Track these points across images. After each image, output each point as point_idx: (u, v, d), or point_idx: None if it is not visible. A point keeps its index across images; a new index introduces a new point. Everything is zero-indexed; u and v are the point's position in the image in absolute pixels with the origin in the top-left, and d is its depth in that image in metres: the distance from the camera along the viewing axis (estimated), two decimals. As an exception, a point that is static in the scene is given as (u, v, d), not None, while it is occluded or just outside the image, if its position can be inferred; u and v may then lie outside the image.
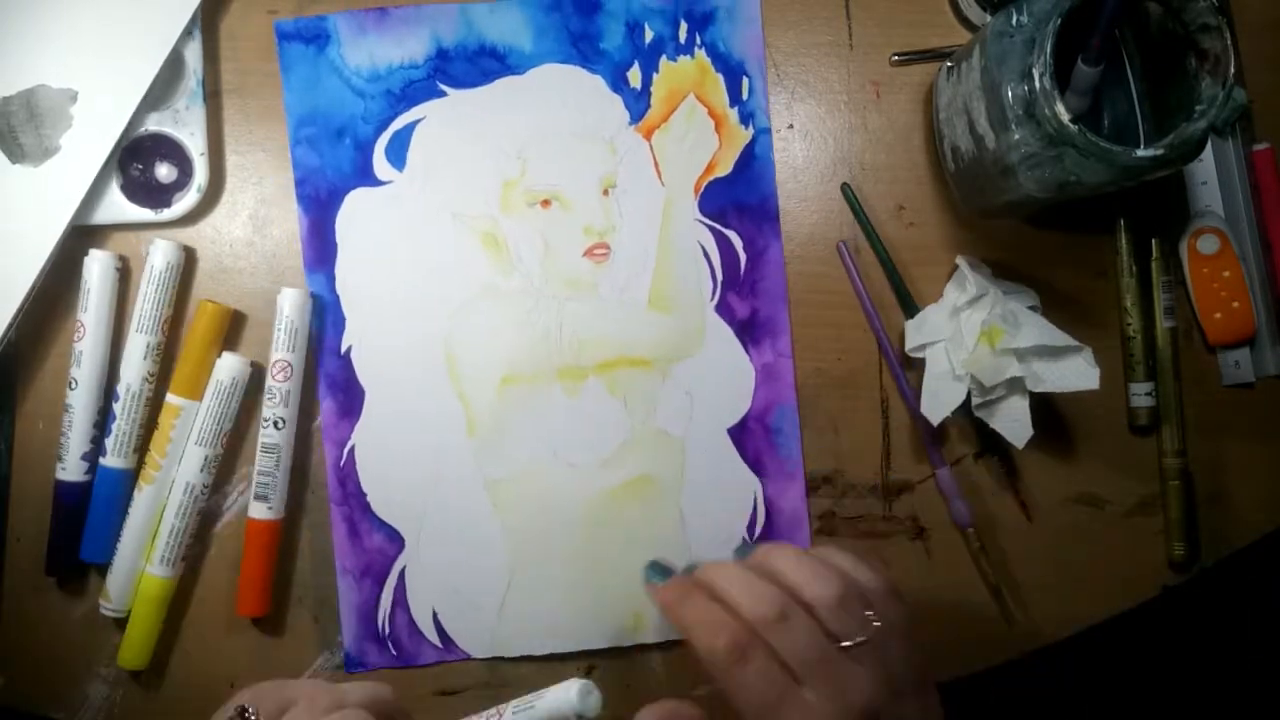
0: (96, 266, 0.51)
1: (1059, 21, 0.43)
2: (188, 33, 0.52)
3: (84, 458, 0.51)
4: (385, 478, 0.54)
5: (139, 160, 0.53)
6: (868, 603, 0.41)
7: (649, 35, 0.55)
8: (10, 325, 0.51)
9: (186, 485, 0.51)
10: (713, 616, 0.40)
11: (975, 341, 0.51)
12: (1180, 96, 0.46)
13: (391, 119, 0.54)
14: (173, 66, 0.52)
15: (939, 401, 0.52)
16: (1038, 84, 0.43)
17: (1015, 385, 0.51)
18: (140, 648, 0.51)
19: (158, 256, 0.52)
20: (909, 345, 0.53)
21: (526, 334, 0.54)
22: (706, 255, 0.54)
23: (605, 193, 0.54)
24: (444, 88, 0.54)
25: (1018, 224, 0.55)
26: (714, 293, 0.54)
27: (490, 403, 0.54)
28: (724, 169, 0.55)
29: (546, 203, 0.54)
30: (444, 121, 0.54)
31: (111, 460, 0.51)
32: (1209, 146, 0.55)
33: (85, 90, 0.51)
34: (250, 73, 0.54)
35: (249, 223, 0.54)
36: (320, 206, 0.54)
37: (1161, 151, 0.43)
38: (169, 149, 0.53)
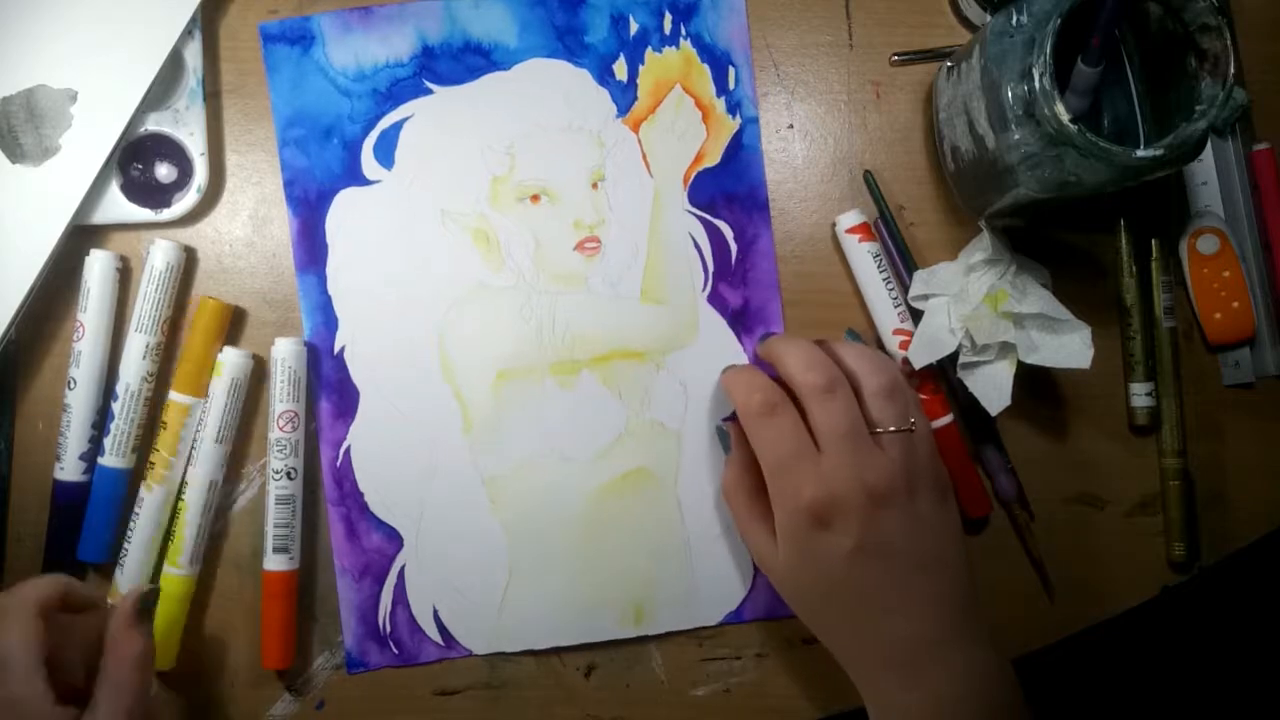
0: (97, 266, 0.51)
1: (1059, 21, 0.43)
2: (188, 33, 0.52)
3: (82, 457, 0.51)
4: (382, 477, 0.54)
5: (139, 160, 0.53)
6: (909, 406, 0.46)
7: (634, 27, 0.55)
8: (10, 325, 0.51)
9: (210, 483, 0.51)
10: (755, 380, 0.45)
11: (979, 300, 0.51)
12: (1180, 96, 0.45)
13: (379, 118, 0.54)
14: (172, 66, 0.52)
15: (928, 350, 0.52)
16: (1038, 84, 0.43)
17: (1006, 351, 0.51)
18: (166, 648, 0.51)
19: (158, 256, 0.52)
20: (912, 293, 0.53)
21: (519, 329, 0.54)
22: (697, 246, 0.54)
23: (594, 186, 0.54)
24: (430, 85, 0.54)
25: (1018, 224, 0.54)
26: (706, 283, 0.54)
27: (485, 399, 0.54)
28: (712, 159, 0.55)
29: (536, 198, 0.54)
30: (431, 119, 0.54)
31: (110, 460, 0.51)
32: (1209, 146, 0.55)
33: (85, 90, 0.51)
34: (250, 73, 0.54)
35: (249, 223, 0.54)
36: (310, 207, 0.54)
37: (1161, 152, 0.43)
38: (169, 149, 0.53)
